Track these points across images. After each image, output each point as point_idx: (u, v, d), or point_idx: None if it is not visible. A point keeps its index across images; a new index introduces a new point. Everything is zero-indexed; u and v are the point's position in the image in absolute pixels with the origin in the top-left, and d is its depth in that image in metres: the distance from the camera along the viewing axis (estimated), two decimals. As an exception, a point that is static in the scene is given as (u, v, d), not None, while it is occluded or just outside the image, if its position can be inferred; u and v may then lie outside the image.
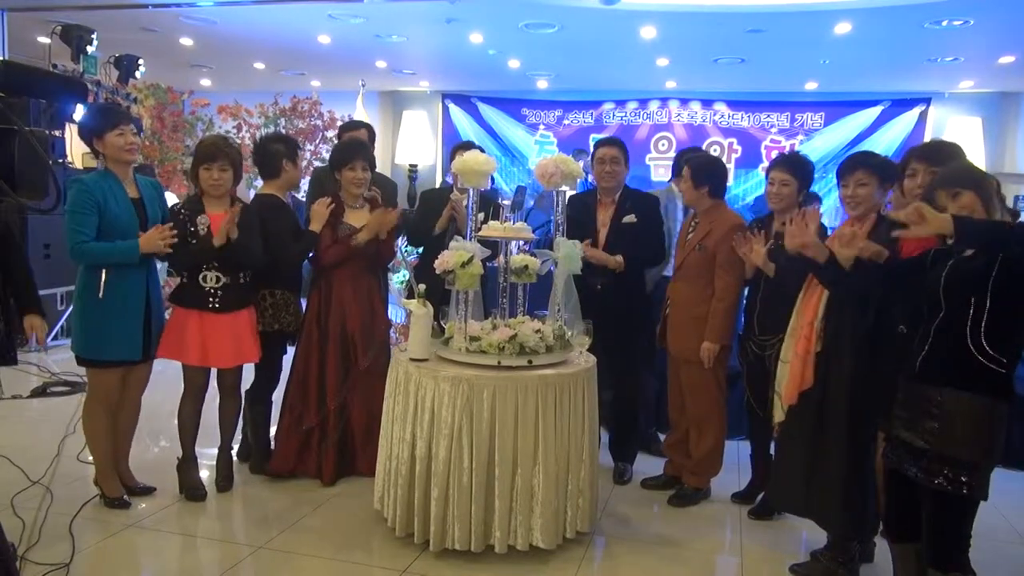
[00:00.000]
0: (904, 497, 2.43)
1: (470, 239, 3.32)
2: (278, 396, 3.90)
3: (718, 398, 3.76)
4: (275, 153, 3.77)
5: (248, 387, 3.87)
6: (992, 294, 2.21)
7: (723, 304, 3.61)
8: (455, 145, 4.62)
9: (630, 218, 3.88)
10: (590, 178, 7.69)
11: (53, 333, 6.64)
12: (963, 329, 2.24)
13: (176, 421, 3.60)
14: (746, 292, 3.72)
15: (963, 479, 2.22)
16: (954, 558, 2.29)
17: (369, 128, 4.55)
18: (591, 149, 4.09)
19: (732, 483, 3.97)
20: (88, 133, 3.28)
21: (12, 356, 2.99)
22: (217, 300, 3.44)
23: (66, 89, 4.05)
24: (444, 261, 3.16)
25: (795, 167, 3.51)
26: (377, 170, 4.34)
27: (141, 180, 3.42)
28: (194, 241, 3.40)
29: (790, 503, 3.15)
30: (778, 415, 3.14)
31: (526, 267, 3.31)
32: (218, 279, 3.44)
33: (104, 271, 3.22)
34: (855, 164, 2.99)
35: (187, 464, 3.60)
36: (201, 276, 3.43)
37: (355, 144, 3.91)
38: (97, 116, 3.33)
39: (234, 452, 3.86)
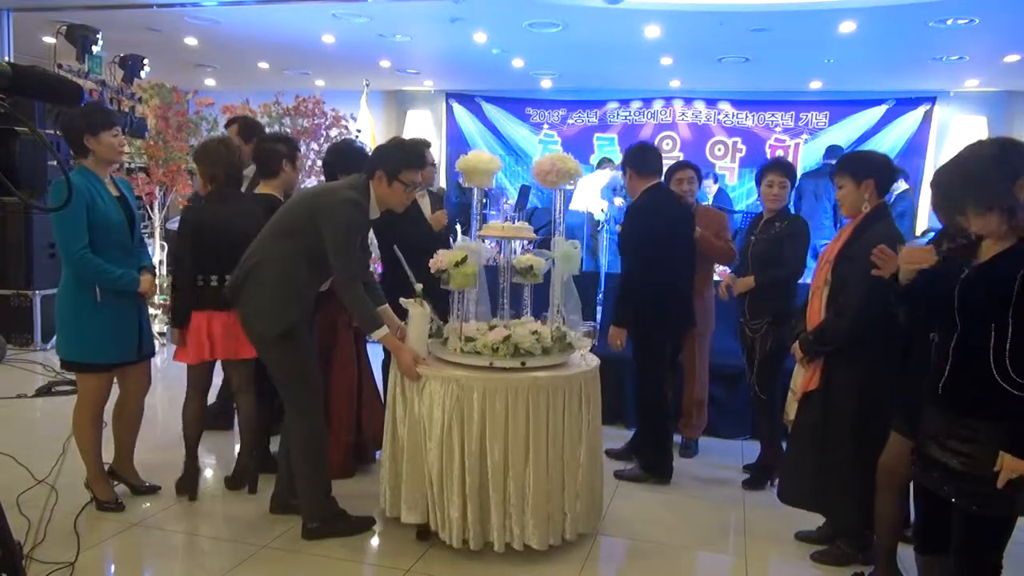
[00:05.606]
0: (932, 509, 2.31)
1: (474, 238, 3.32)
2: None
3: None
4: (276, 153, 3.70)
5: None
6: (1015, 316, 2.01)
7: None
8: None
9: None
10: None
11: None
12: (985, 354, 2.06)
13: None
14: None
15: (1000, 500, 2.07)
16: None
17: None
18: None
19: (736, 480, 4.01)
20: (81, 130, 3.18)
21: None
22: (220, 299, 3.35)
23: (66, 90, 4.01)
24: (439, 260, 3.15)
25: (788, 169, 3.89)
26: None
27: (116, 178, 3.41)
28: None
29: (800, 498, 3.21)
30: (791, 412, 3.20)
31: (531, 267, 3.27)
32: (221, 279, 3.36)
33: None
34: (835, 170, 3.11)
35: (186, 465, 3.58)
36: (201, 278, 3.41)
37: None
38: (92, 114, 3.26)
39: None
